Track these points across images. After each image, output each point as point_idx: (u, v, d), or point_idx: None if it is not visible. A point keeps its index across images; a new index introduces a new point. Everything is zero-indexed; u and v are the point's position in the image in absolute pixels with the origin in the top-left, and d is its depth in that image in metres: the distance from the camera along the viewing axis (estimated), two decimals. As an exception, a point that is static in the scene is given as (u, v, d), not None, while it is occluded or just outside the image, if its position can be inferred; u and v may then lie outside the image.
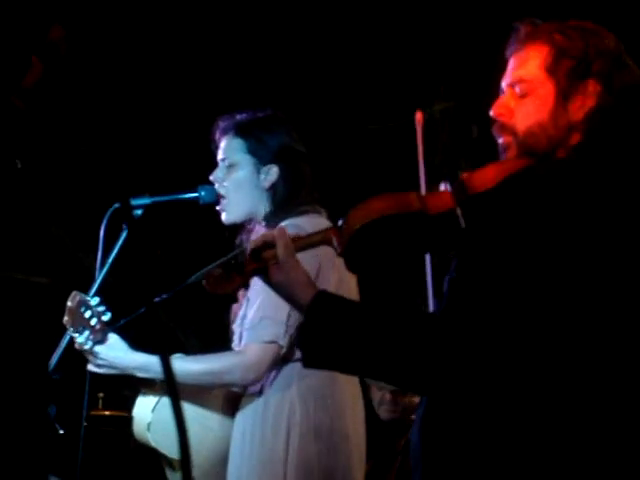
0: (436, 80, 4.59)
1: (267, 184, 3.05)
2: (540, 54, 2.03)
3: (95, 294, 2.99)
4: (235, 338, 3.06)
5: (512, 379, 1.88)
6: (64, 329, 2.97)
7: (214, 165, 3.17)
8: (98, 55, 3.77)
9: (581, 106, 2.00)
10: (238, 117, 3.12)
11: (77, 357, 3.00)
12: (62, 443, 3.30)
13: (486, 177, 1.98)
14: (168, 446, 2.97)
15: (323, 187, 3.17)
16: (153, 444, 3.00)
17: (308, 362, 2.04)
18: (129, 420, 3.16)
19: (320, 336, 1.98)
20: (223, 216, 3.09)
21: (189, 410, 2.98)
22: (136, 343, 2.97)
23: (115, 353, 2.92)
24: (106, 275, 3.03)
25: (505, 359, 1.87)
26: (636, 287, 1.89)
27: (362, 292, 3.00)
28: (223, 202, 3.09)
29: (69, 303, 2.92)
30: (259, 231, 3.10)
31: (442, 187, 2.02)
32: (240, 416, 2.97)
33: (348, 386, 2.96)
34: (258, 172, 3.05)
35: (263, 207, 3.05)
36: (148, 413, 3.01)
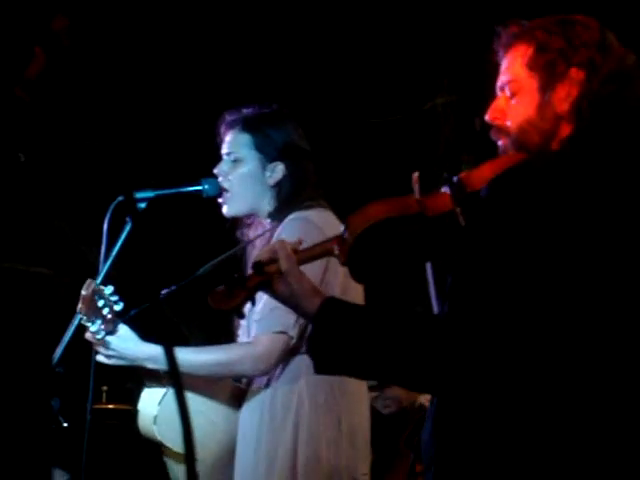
0: (439, 74, 4.59)
1: (272, 181, 3.05)
2: (523, 53, 2.07)
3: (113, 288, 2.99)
4: (241, 330, 3.06)
5: (518, 376, 1.87)
6: (66, 321, 2.96)
7: (218, 158, 3.17)
8: (101, 47, 3.76)
9: (566, 96, 2.02)
10: (245, 112, 3.12)
11: (81, 350, 3.00)
12: (66, 436, 3.30)
13: (483, 174, 1.99)
14: (174, 439, 2.97)
15: (325, 181, 3.17)
16: (159, 437, 3.00)
17: (319, 369, 2.03)
18: (133, 414, 3.16)
19: (329, 343, 1.99)
20: (224, 209, 3.09)
21: (195, 403, 2.97)
22: (143, 334, 2.97)
23: (125, 344, 2.92)
24: (110, 268, 3.03)
25: (511, 357, 1.87)
26: (638, 282, 1.89)
27: (367, 299, 3.00)
28: (226, 195, 3.09)
29: (83, 291, 2.91)
30: (258, 226, 3.11)
31: (443, 190, 2.03)
32: (246, 409, 2.97)
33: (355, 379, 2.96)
34: (264, 169, 3.05)
35: (267, 203, 3.05)
36: (154, 406, 3.01)
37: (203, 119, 3.29)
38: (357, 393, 2.98)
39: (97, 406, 4.45)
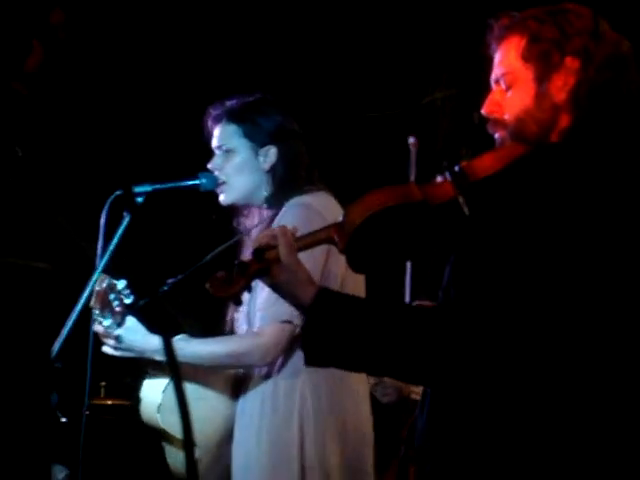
0: (438, 67, 4.58)
1: (267, 166, 3.06)
2: (517, 44, 2.06)
3: (127, 282, 2.99)
4: (241, 318, 3.05)
5: (517, 370, 1.87)
6: (64, 316, 2.96)
7: (213, 152, 3.17)
8: (99, 41, 3.75)
9: (563, 85, 2.02)
10: (228, 103, 3.13)
11: (79, 345, 3.00)
12: (64, 431, 3.29)
13: (485, 164, 1.99)
14: (177, 427, 2.98)
15: (324, 175, 3.16)
16: (162, 425, 3.01)
17: (309, 361, 2.03)
18: (131, 409, 3.16)
19: (322, 334, 1.98)
20: (221, 197, 3.09)
21: (195, 390, 2.99)
22: (150, 326, 2.97)
23: (135, 336, 2.93)
24: (107, 262, 3.02)
25: (510, 350, 1.86)
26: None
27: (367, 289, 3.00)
28: (223, 187, 3.09)
29: (97, 287, 2.92)
30: (255, 216, 3.10)
31: (439, 179, 2.02)
32: (246, 398, 2.97)
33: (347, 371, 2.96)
34: (256, 155, 3.07)
35: (264, 189, 3.05)
36: (158, 395, 3.02)
37: (200, 113, 3.29)
38: (359, 384, 2.98)
39: (95, 401, 4.45)
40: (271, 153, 3.06)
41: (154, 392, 3.05)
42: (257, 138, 3.07)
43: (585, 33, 2.03)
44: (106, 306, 2.91)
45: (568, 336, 1.86)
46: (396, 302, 2.14)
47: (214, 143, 3.14)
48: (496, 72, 2.10)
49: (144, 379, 3.12)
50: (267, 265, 2.03)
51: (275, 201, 3.03)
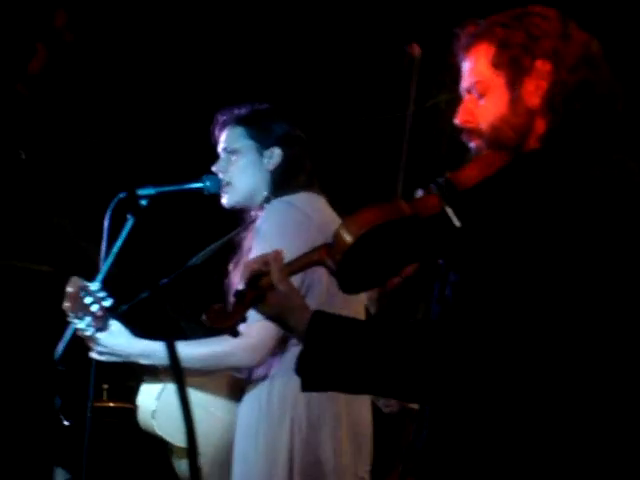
0: (441, 70, 4.57)
1: (271, 166, 3.06)
2: (486, 52, 2.04)
3: (100, 284, 2.98)
4: None
5: (518, 384, 1.86)
6: (67, 319, 2.96)
7: (219, 155, 3.17)
8: (103, 43, 3.75)
9: (536, 89, 2.00)
10: (237, 111, 3.13)
11: (82, 348, 2.99)
12: (67, 435, 3.29)
13: (470, 174, 1.97)
14: (173, 433, 2.97)
15: (327, 179, 3.16)
16: (158, 432, 3.00)
17: (306, 387, 2.00)
18: (133, 412, 3.15)
19: (319, 360, 1.95)
20: (224, 199, 3.09)
21: (194, 396, 2.97)
22: (138, 330, 2.96)
23: (117, 340, 2.92)
24: (111, 265, 3.02)
25: (509, 364, 1.85)
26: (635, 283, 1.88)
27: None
28: (227, 188, 3.09)
29: (69, 289, 2.91)
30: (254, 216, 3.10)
31: (419, 193, 2.01)
32: (245, 401, 2.96)
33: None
34: (261, 156, 3.07)
35: (264, 190, 3.05)
36: (152, 401, 3.01)
37: (204, 116, 3.29)
38: (356, 401, 2.96)
39: (98, 404, 4.44)
40: (276, 154, 3.07)
41: (149, 398, 3.04)
42: (263, 140, 3.07)
43: (553, 35, 2.01)
44: (79, 308, 2.90)
45: (567, 344, 1.84)
46: (391, 320, 2.11)
47: (220, 147, 3.14)
48: (467, 81, 2.08)
49: (141, 384, 3.11)
50: (262, 292, 2.00)
51: (268, 202, 3.03)
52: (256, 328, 2.84)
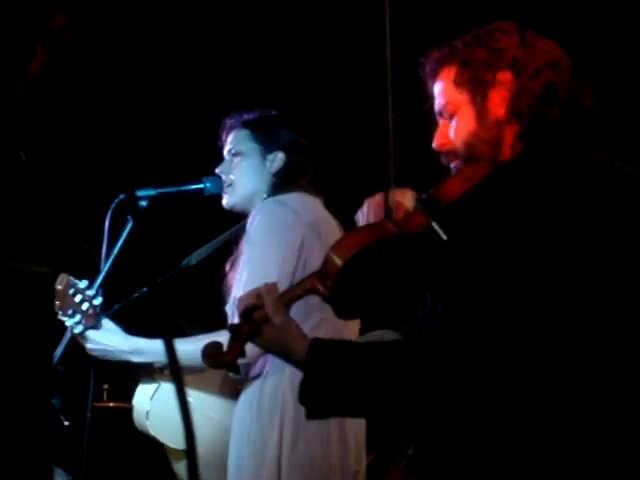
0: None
1: (273, 169, 3.06)
2: (449, 73, 2.08)
3: (100, 285, 2.98)
4: (229, 320, 3.05)
5: (515, 391, 1.86)
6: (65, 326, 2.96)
7: (219, 156, 3.17)
8: (102, 44, 3.75)
9: (501, 100, 2.02)
10: (245, 115, 3.15)
11: (82, 348, 3.00)
12: (67, 435, 3.30)
13: (453, 187, 1.98)
14: (167, 435, 2.97)
15: (325, 179, 3.17)
16: (152, 433, 2.99)
17: (311, 415, 2.00)
18: (131, 411, 3.15)
19: (321, 388, 1.96)
20: (224, 200, 3.09)
21: (191, 398, 2.96)
22: (134, 329, 2.96)
23: (110, 338, 2.92)
24: (111, 266, 3.02)
25: (507, 377, 1.85)
26: (628, 284, 1.88)
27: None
28: (228, 189, 3.09)
29: (58, 286, 2.91)
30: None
31: (409, 212, 2.03)
32: (241, 402, 2.95)
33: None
34: (264, 159, 3.07)
35: (264, 192, 3.05)
36: (147, 401, 3.00)
37: (205, 117, 3.30)
38: None
39: (98, 404, 4.44)
40: (279, 158, 3.07)
41: (144, 399, 3.04)
42: (268, 144, 3.08)
43: (513, 46, 2.04)
44: (69, 305, 2.90)
45: (560, 352, 1.84)
46: (388, 340, 2.11)
47: (225, 149, 3.15)
48: (438, 104, 2.10)
49: (138, 385, 3.11)
50: (257, 326, 2.00)
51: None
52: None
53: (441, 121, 2.10)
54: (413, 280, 2.04)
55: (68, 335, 2.98)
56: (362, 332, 3.13)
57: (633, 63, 4.15)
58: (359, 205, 3.57)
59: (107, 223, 3.06)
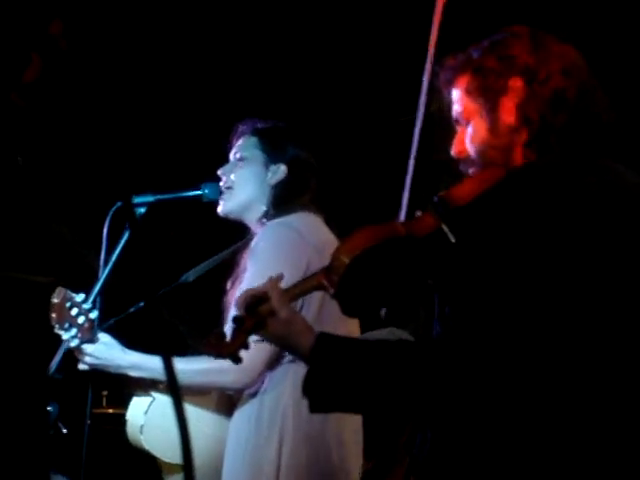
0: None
1: (273, 181, 3.06)
2: (463, 82, 2.10)
3: (98, 293, 2.98)
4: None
5: (523, 400, 1.86)
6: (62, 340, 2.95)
7: (217, 163, 3.17)
8: (99, 51, 3.74)
9: (511, 107, 2.04)
10: (258, 123, 3.16)
11: (78, 366, 2.99)
12: (66, 442, 3.28)
13: (464, 191, 2.00)
14: (161, 449, 2.95)
15: (327, 187, 3.16)
16: (146, 447, 2.98)
17: (314, 408, 2.01)
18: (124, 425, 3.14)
19: (325, 382, 1.97)
20: (220, 206, 3.08)
21: (187, 412, 2.94)
22: (132, 343, 2.95)
23: (108, 352, 2.91)
24: (109, 274, 3.01)
25: (514, 380, 1.85)
26: (634, 293, 1.87)
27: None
28: (226, 193, 3.08)
29: (54, 299, 2.91)
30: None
31: (418, 213, 2.03)
32: (236, 418, 2.93)
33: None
34: (267, 169, 3.07)
35: (263, 204, 3.04)
36: (141, 415, 2.99)
37: (203, 123, 3.29)
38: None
39: (97, 411, 4.43)
40: (280, 170, 3.07)
41: (137, 413, 3.02)
42: (273, 155, 3.08)
43: (524, 52, 2.05)
44: (65, 318, 2.89)
45: (571, 360, 1.84)
46: (395, 339, 2.12)
47: (232, 153, 3.15)
48: (454, 112, 2.12)
49: (132, 398, 3.10)
50: (262, 320, 2.01)
51: (266, 219, 3.02)
52: (248, 351, 2.82)
53: (459, 128, 2.12)
54: (418, 281, 2.05)
55: (63, 349, 2.97)
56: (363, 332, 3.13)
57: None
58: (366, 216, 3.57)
59: (105, 230, 3.06)
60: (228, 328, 2.93)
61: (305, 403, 2.82)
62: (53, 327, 2.92)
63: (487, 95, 2.05)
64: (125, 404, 4.35)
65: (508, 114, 2.03)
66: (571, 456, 1.85)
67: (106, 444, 4.28)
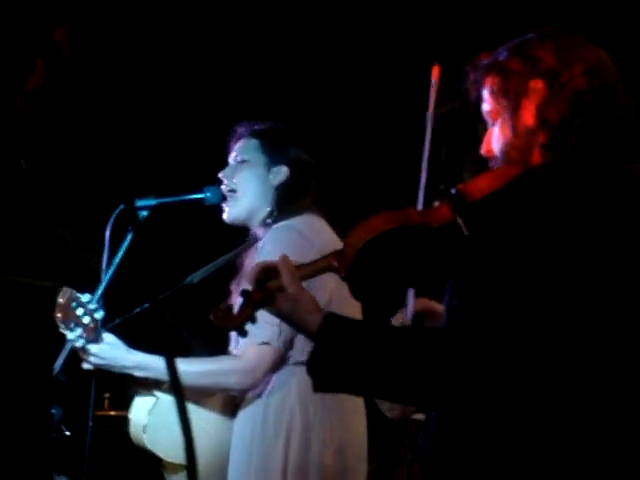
0: (441, 80, 4.58)
1: (276, 182, 3.07)
2: (489, 82, 2.12)
3: (101, 296, 2.98)
4: (232, 342, 3.05)
5: (528, 393, 1.87)
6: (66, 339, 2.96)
7: (219, 166, 3.18)
8: (102, 57, 3.76)
9: (532, 109, 2.05)
10: (256, 125, 3.16)
11: (82, 366, 3.00)
12: (69, 444, 3.29)
13: (482, 185, 2.01)
14: (165, 449, 2.96)
15: (327, 189, 3.17)
16: (149, 447, 2.98)
17: (319, 387, 2.02)
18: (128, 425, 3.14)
19: (330, 361, 1.98)
20: (225, 213, 3.09)
21: (190, 413, 2.95)
22: (136, 343, 2.96)
23: (113, 352, 2.92)
24: (112, 277, 3.02)
25: (517, 371, 1.86)
26: None
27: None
28: (230, 197, 3.09)
29: (60, 299, 2.92)
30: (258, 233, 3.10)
31: (437, 203, 2.04)
32: (240, 419, 2.95)
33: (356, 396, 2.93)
34: (268, 171, 3.08)
35: (267, 206, 3.05)
36: (144, 415, 2.99)
37: (205, 127, 3.30)
38: (350, 401, 2.95)
39: (99, 413, 4.43)
40: (282, 172, 3.07)
41: (141, 412, 3.02)
42: (274, 157, 3.09)
43: (547, 54, 2.06)
44: (70, 318, 2.90)
45: (574, 356, 1.85)
46: (403, 325, 2.14)
47: (231, 156, 3.16)
48: (483, 112, 2.15)
49: (135, 397, 3.11)
50: (271, 294, 2.02)
51: (270, 221, 3.03)
52: (250, 352, 2.84)
53: (489, 128, 2.15)
54: (427, 270, 2.06)
55: (69, 346, 2.98)
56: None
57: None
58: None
59: (108, 233, 3.07)
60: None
61: (311, 404, 2.85)
62: (58, 327, 2.93)
63: (509, 96, 2.07)
64: (127, 406, 4.36)
65: (528, 115, 2.04)
66: (572, 452, 1.86)
67: (108, 446, 4.29)
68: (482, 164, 2.16)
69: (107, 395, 4.55)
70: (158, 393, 2.99)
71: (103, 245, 3.07)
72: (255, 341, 2.82)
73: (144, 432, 2.98)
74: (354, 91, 4.86)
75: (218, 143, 3.24)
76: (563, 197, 1.91)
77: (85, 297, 2.92)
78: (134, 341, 2.96)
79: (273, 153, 3.09)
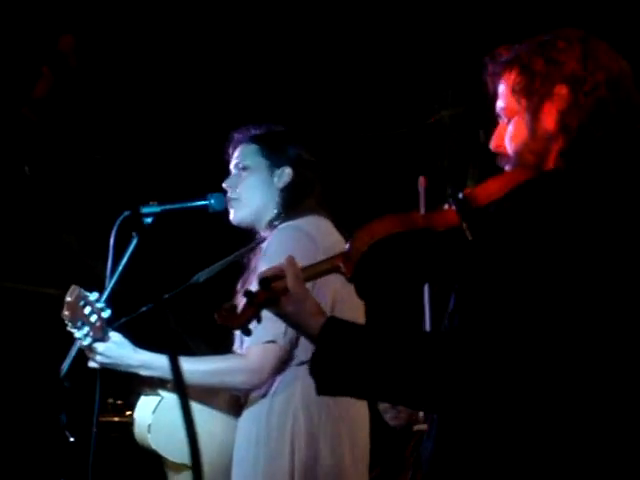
0: (444, 85, 4.59)
1: (281, 184, 3.08)
2: (509, 79, 2.10)
3: (105, 302, 2.99)
4: (236, 341, 3.06)
5: (528, 397, 1.87)
6: (74, 338, 2.97)
7: (224, 172, 3.18)
8: (108, 65, 3.77)
9: (553, 113, 2.04)
10: (253, 130, 3.16)
11: (87, 363, 3.01)
12: (73, 450, 3.29)
13: (488, 190, 2.01)
14: (169, 449, 2.96)
15: (331, 195, 3.18)
16: (154, 446, 2.98)
17: (321, 390, 2.02)
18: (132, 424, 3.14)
19: (332, 364, 1.98)
20: (231, 214, 3.10)
21: (194, 412, 2.95)
22: (141, 342, 2.97)
23: (119, 351, 2.93)
24: (116, 283, 3.03)
25: (520, 376, 1.86)
26: None
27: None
28: (234, 203, 3.10)
29: (68, 298, 2.92)
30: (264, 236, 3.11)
31: (445, 206, 2.05)
32: (244, 420, 2.96)
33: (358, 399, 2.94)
34: (272, 175, 3.08)
35: (273, 208, 3.06)
36: (149, 415, 2.99)
37: (209, 134, 3.31)
38: (353, 404, 2.96)
39: (103, 419, 4.43)
40: (286, 173, 3.08)
41: (145, 412, 3.02)
42: (275, 159, 3.09)
43: (573, 59, 2.04)
44: (78, 317, 2.91)
45: (575, 361, 1.85)
46: (404, 328, 2.14)
47: (232, 163, 3.16)
48: (498, 106, 2.13)
49: (140, 397, 3.11)
50: (275, 295, 2.03)
51: (276, 223, 3.04)
52: (255, 350, 2.85)
53: (500, 122, 2.13)
54: (432, 273, 2.08)
55: (74, 351, 2.99)
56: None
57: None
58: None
59: (112, 240, 3.08)
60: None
61: (315, 408, 2.86)
62: (65, 325, 2.94)
63: (531, 98, 2.05)
64: (132, 411, 4.36)
65: (549, 120, 2.03)
66: (574, 456, 1.86)
67: (112, 452, 4.29)
68: (485, 172, 2.17)
69: (110, 401, 4.55)
70: (163, 392, 3.00)
71: (108, 252, 3.08)
72: (261, 340, 2.82)
73: (148, 432, 2.98)
74: (360, 95, 4.86)
75: (222, 150, 3.25)
76: (568, 205, 1.90)
77: (93, 296, 2.93)
78: (140, 340, 2.97)
79: (274, 156, 3.10)
